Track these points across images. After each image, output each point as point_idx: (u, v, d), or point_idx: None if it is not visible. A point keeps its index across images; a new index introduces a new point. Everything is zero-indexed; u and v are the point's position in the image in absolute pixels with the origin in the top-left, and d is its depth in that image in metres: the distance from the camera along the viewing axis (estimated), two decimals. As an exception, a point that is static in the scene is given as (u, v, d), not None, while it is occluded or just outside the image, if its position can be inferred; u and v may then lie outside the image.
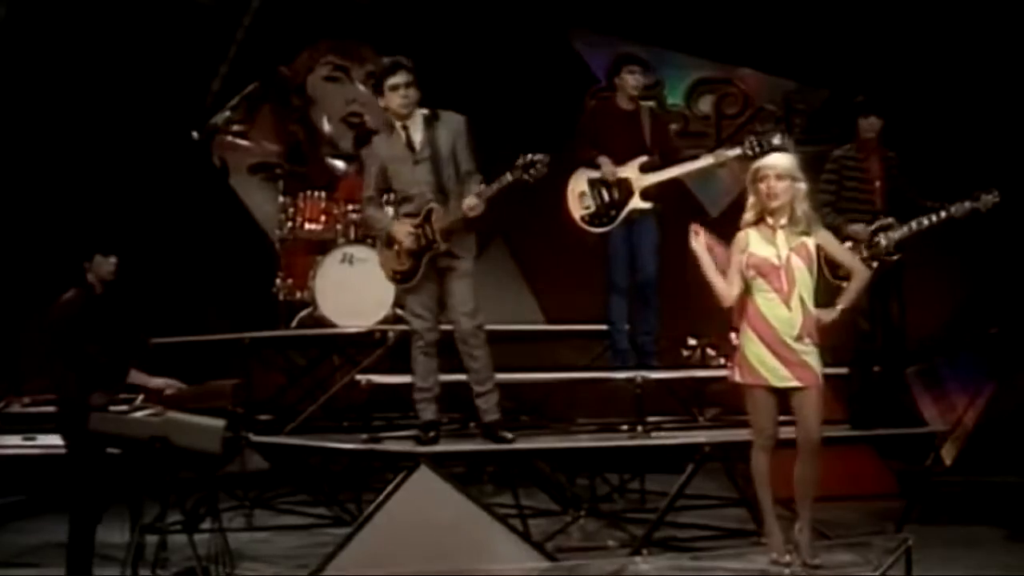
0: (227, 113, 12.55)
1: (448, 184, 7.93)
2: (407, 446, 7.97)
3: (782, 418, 7.15)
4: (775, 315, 7.08)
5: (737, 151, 8.95)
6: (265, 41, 12.64)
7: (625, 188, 9.04)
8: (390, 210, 8.41)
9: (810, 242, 7.17)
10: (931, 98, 11.62)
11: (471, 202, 7.82)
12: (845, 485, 9.47)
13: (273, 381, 10.62)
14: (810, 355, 7.07)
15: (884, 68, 11.55)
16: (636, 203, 9.04)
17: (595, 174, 9.03)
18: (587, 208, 9.09)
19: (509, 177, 7.86)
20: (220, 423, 7.56)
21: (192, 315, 11.49)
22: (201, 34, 12.25)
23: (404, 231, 7.93)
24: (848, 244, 8.44)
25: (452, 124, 7.99)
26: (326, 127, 13.05)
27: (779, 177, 7.12)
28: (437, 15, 12.35)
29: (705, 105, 13.25)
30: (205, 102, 12.53)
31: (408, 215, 7.97)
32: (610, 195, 9.06)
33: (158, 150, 12.04)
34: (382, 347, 9.15)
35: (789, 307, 7.10)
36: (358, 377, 8.55)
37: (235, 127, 12.79)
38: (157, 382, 7.99)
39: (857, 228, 8.59)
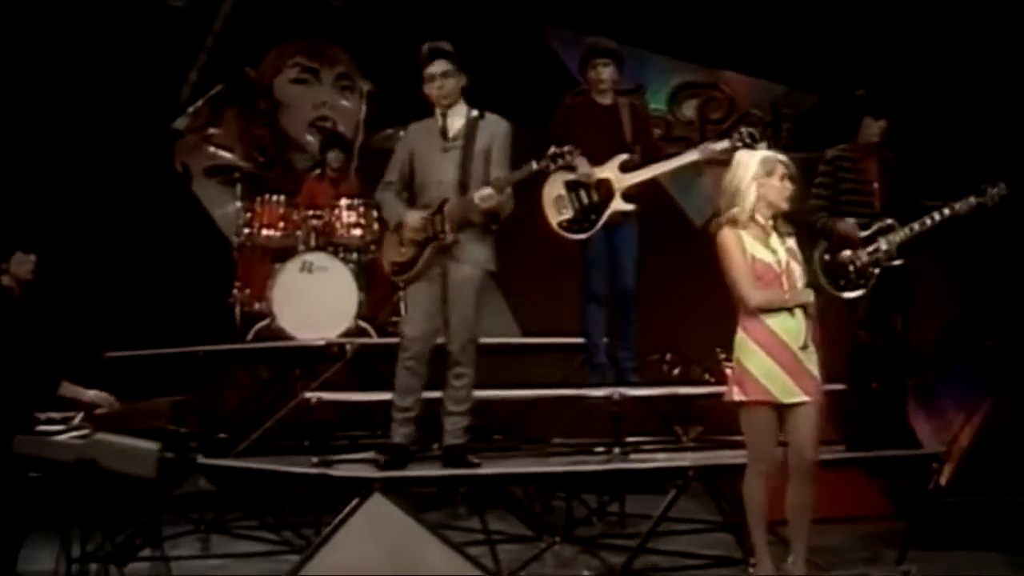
0: (190, 116, 11.85)
1: (472, 182, 7.19)
2: (361, 471, 7.09)
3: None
4: (781, 325, 6.36)
5: (725, 144, 8.09)
6: (237, 44, 12.00)
7: (605, 189, 8.17)
8: None
9: (794, 245, 6.50)
10: (927, 96, 10.90)
11: (485, 191, 7.08)
12: (834, 506, 8.48)
13: (232, 397, 9.81)
14: (815, 364, 6.40)
15: (878, 65, 10.84)
16: (618, 205, 8.20)
17: (572, 176, 8.15)
18: (565, 213, 8.21)
19: (534, 166, 7.21)
20: (154, 446, 6.78)
21: (150, 327, 10.54)
22: (172, 37, 11.64)
23: (414, 218, 7.17)
24: (845, 253, 7.69)
25: (494, 126, 7.33)
26: (294, 131, 12.24)
27: (792, 178, 6.46)
28: (412, 14, 11.56)
29: (689, 110, 12.52)
30: (176, 105, 11.92)
31: (424, 206, 7.23)
32: (589, 198, 8.18)
33: (120, 155, 11.33)
34: (340, 362, 8.35)
35: (793, 314, 6.39)
36: (307, 395, 7.64)
37: (200, 131, 11.96)
38: (90, 395, 7.22)
39: (846, 224, 7.71)
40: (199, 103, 11.88)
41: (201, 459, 8.04)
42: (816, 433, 6.41)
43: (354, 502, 6.83)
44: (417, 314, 7.24)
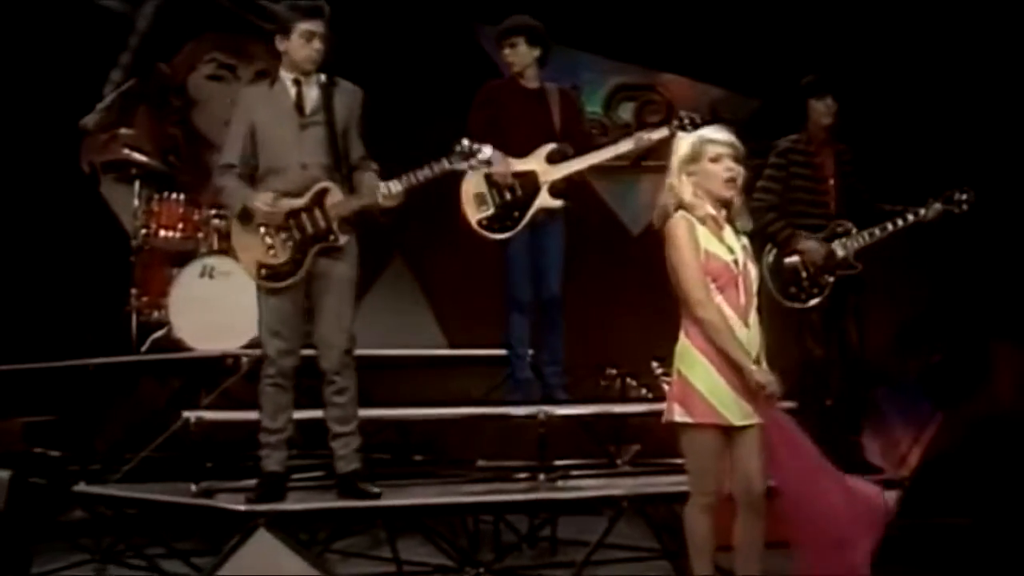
0: (99, 114, 10.60)
1: (339, 164, 6.02)
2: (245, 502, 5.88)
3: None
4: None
5: (663, 132, 6.94)
6: (162, 43, 10.95)
7: (530, 183, 7.03)
8: None
9: (747, 242, 5.35)
10: (879, 92, 9.79)
11: (393, 188, 5.94)
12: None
13: (121, 416, 8.53)
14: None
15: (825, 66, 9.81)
16: (544, 200, 7.07)
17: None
18: (486, 210, 7.03)
19: (446, 164, 6.06)
20: (3, 474, 5.81)
21: (44, 338, 9.32)
22: (96, 35, 10.58)
23: (265, 209, 5.92)
24: (795, 258, 6.59)
25: (351, 95, 6.13)
26: (209, 130, 10.87)
27: (735, 158, 5.29)
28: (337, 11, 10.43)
29: (625, 113, 11.41)
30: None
31: (283, 193, 5.96)
32: (512, 193, 7.01)
33: (27, 155, 10.18)
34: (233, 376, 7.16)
35: (747, 324, 5.25)
36: (186, 414, 6.49)
37: (108, 129, 10.70)
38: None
39: (811, 245, 6.68)
40: (108, 99, 10.71)
41: (81, 486, 6.85)
42: (764, 460, 5.27)
43: (234, 540, 5.69)
44: (283, 326, 6.06)
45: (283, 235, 6.01)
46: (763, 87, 10.62)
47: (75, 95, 10.53)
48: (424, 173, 6.11)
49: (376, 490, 6.00)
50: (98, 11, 10.61)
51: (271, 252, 6.03)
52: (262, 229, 6.02)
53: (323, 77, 6.12)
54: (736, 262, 5.25)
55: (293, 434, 6.05)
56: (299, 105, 6.06)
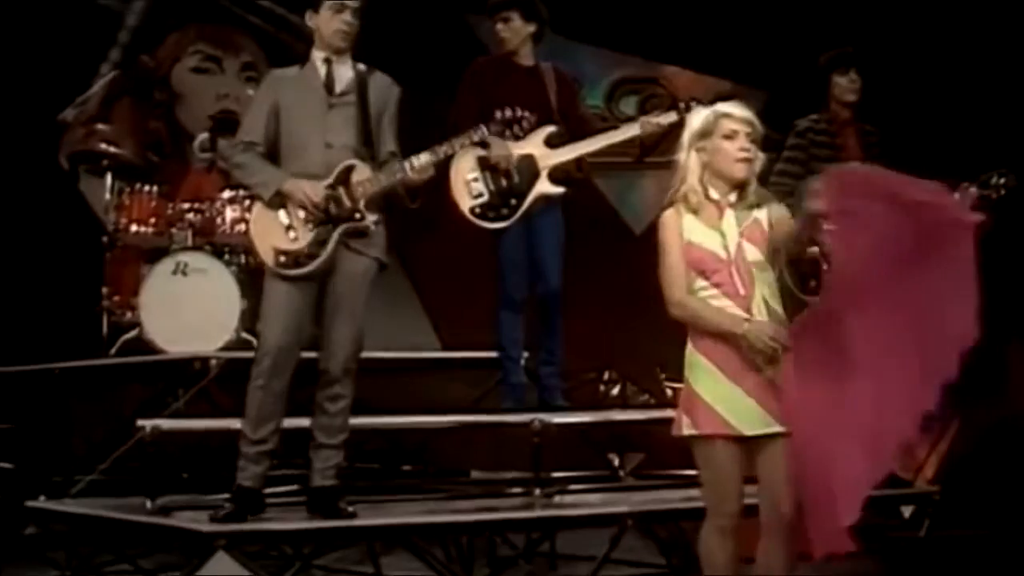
0: (78, 107, 9.93)
1: (368, 147, 5.41)
2: (204, 522, 5.15)
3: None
4: None
5: (671, 116, 6.19)
6: (151, 38, 10.38)
7: (528, 168, 6.29)
8: None
9: (762, 217, 4.60)
10: (903, 65, 9.14)
11: (423, 159, 5.32)
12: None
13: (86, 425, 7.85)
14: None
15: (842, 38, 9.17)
16: (543, 187, 6.33)
17: (486, 152, 6.24)
18: (478, 197, 6.30)
19: (485, 132, 5.59)
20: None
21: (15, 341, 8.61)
22: (87, 30, 10.04)
23: (314, 190, 5.27)
24: (814, 249, 5.84)
25: (387, 87, 5.55)
26: (192, 124, 10.21)
27: (751, 137, 4.56)
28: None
29: (628, 107, 10.84)
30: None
31: (303, 175, 5.34)
32: (508, 178, 6.26)
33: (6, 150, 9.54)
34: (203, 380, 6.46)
35: (750, 315, 4.48)
36: (140, 423, 5.76)
37: (88, 124, 10.07)
38: None
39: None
40: (88, 92, 10.05)
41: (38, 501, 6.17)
42: (791, 476, 4.45)
43: (192, 564, 4.96)
44: (288, 318, 5.33)
45: (305, 216, 5.34)
46: (771, 78, 9.99)
47: (63, 90, 9.94)
48: (460, 142, 5.56)
49: (351, 510, 5.26)
50: (88, 6, 10.07)
51: (291, 235, 5.35)
52: (282, 211, 5.35)
53: (361, 66, 5.58)
54: (725, 247, 4.53)
55: (276, 447, 5.31)
56: (328, 84, 5.47)
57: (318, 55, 5.50)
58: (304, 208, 5.31)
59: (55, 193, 9.86)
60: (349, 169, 5.36)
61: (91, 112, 10.04)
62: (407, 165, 5.38)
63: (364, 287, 5.43)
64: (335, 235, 5.32)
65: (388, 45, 9.95)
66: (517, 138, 5.63)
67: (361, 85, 5.44)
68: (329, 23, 5.44)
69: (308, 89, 5.44)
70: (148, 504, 5.57)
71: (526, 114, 5.43)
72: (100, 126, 10.06)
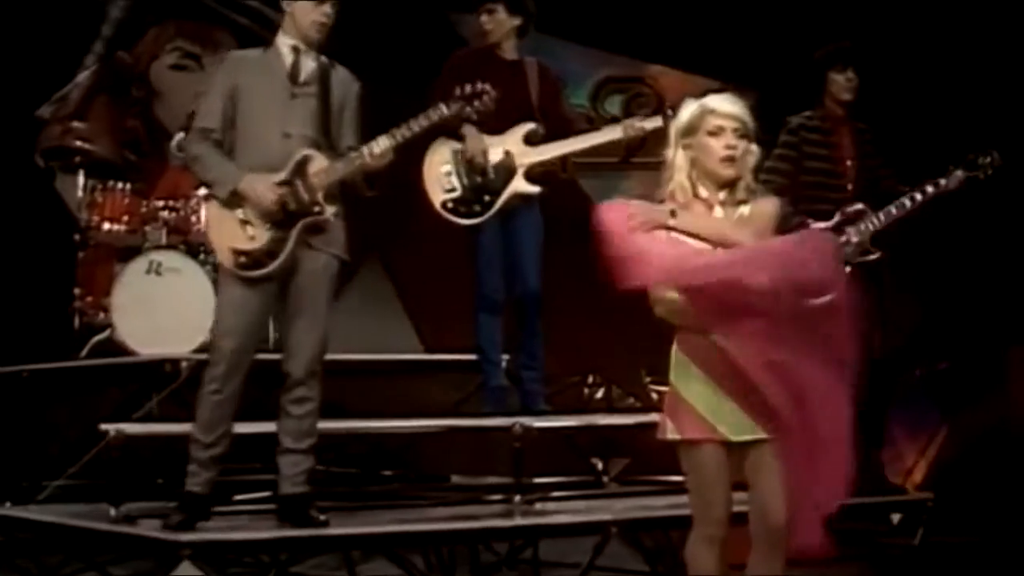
0: (55, 104, 9.51)
1: (327, 140, 5.23)
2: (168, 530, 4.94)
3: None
4: None
5: (656, 121, 6.05)
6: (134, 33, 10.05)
7: (505, 165, 6.11)
8: None
9: (755, 213, 4.39)
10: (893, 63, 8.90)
11: (382, 144, 5.14)
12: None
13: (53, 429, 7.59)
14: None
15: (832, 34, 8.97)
16: (519, 186, 6.14)
17: (461, 146, 6.07)
18: (451, 191, 6.08)
19: (444, 110, 5.30)
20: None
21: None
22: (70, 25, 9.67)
23: (264, 186, 5.07)
24: None
25: (349, 82, 5.37)
26: (171, 123, 9.78)
27: (739, 133, 4.34)
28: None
29: (613, 107, 10.65)
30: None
31: (260, 166, 5.15)
32: (484, 175, 6.03)
33: None
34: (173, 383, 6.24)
35: None
36: (104, 427, 5.54)
37: (64, 121, 9.75)
38: None
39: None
40: (66, 89, 9.65)
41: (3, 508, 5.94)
42: (784, 485, 4.25)
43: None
44: (244, 322, 5.12)
45: (262, 214, 5.13)
46: (760, 77, 9.53)
47: (43, 86, 9.53)
48: (417, 123, 5.32)
49: (323, 518, 5.04)
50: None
51: (248, 233, 5.15)
52: (239, 210, 5.15)
53: (323, 58, 5.39)
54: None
55: (227, 451, 5.07)
56: (293, 73, 5.27)
57: (285, 42, 5.30)
58: (259, 207, 5.12)
59: (31, 191, 9.46)
60: (305, 160, 5.18)
61: (70, 109, 9.83)
62: (366, 150, 5.20)
63: (326, 285, 5.24)
64: (294, 232, 5.13)
65: (370, 42, 9.97)
66: (479, 113, 5.39)
67: (324, 77, 5.27)
68: (308, 13, 5.26)
69: (271, 75, 5.24)
70: (112, 512, 5.34)
71: (487, 87, 5.19)
72: (76, 124, 9.84)
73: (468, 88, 5.30)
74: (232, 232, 5.15)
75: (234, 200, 5.14)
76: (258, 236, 5.13)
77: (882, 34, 8.95)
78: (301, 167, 5.15)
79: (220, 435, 5.09)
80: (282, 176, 5.14)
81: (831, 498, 4.30)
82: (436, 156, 6.11)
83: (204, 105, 5.33)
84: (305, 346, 5.13)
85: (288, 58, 5.26)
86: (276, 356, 5.31)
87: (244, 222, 5.13)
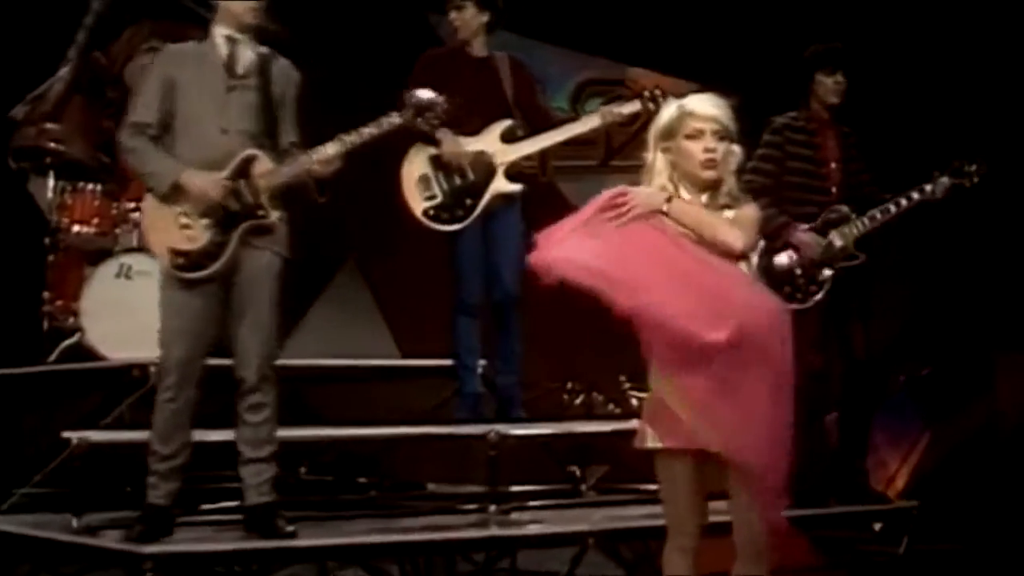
0: (29, 105, 9.07)
1: (268, 136, 5.03)
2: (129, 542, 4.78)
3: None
4: None
5: (634, 106, 5.86)
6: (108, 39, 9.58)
7: (483, 166, 5.97)
8: None
9: (739, 218, 4.31)
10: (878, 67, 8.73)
11: (329, 151, 4.93)
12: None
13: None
14: None
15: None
16: (500, 185, 6.01)
17: (438, 151, 5.86)
18: (431, 199, 5.90)
19: (395, 119, 5.05)
20: None
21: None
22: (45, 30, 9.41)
23: (206, 180, 4.87)
24: (788, 253, 5.51)
25: (289, 72, 5.13)
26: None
27: (719, 135, 4.21)
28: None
29: (593, 109, 10.31)
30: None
31: (198, 163, 4.95)
32: (463, 177, 5.87)
33: None
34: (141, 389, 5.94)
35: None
36: (67, 435, 5.38)
37: (38, 123, 9.54)
38: None
39: (807, 239, 5.62)
40: (40, 88, 9.18)
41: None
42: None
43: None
44: (189, 327, 4.97)
45: (202, 212, 4.95)
46: (742, 80, 9.57)
47: (17, 87, 9.18)
48: (368, 131, 5.11)
49: (291, 528, 4.87)
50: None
51: (188, 233, 4.97)
52: (178, 207, 4.95)
53: (262, 48, 5.15)
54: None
55: (188, 461, 4.87)
56: (230, 65, 5.07)
57: (220, 32, 5.10)
58: (201, 204, 4.94)
59: (3, 193, 9.28)
60: (249, 160, 4.99)
61: (45, 110, 9.68)
62: (313, 156, 5.02)
63: (270, 284, 5.05)
64: (236, 234, 4.96)
65: (349, 43, 9.80)
66: (432, 125, 5.21)
67: (263, 69, 5.07)
68: (240, 3, 5.05)
69: (207, 68, 5.04)
70: (75, 522, 5.16)
71: (440, 99, 5.02)
72: (50, 125, 9.65)
73: (420, 97, 5.10)
74: (171, 231, 4.99)
75: (173, 196, 4.96)
76: (198, 236, 4.97)
77: (866, 37, 8.86)
78: (245, 167, 4.99)
79: (179, 446, 4.93)
80: (224, 175, 4.97)
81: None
82: (413, 164, 5.96)
83: (139, 99, 5.13)
84: (255, 350, 4.96)
85: (224, 49, 5.06)
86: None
87: (184, 222, 4.96)
